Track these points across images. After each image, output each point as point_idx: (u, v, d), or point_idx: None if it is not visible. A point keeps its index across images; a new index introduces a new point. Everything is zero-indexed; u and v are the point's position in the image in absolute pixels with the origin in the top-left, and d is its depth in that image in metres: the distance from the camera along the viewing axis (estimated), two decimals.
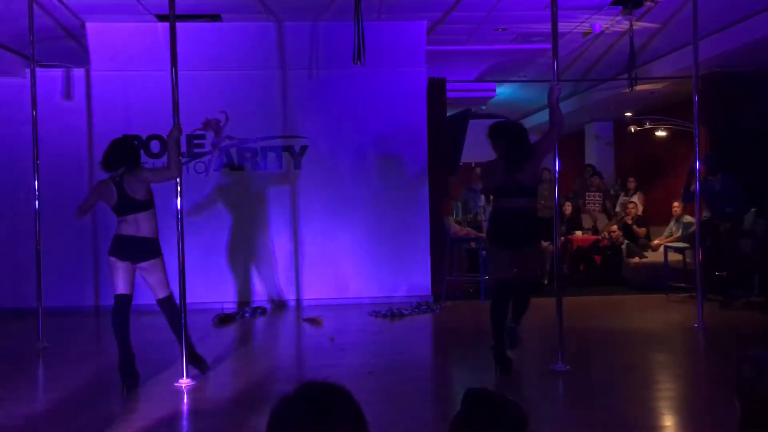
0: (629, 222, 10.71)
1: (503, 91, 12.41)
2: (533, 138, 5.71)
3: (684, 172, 9.34)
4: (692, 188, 7.37)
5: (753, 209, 8.59)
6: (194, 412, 4.78)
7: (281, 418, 1.42)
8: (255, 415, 4.52)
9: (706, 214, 8.48)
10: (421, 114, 9.09)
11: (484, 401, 1.71)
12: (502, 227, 5.39)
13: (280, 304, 8.90)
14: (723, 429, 4.02)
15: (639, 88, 9.16)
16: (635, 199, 11.30)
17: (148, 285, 5.35)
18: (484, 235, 9.86)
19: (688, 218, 9.79)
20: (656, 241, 10.30)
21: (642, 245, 10.44)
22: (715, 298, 8.19)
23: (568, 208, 11.32)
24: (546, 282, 10.13)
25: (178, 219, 5.46)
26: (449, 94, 9.66)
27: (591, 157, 14.27)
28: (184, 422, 4.69)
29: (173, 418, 4.69)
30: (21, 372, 5.94)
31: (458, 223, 9.90)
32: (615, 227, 10.63)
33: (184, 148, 8.64)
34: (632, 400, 4.81)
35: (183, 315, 5.39)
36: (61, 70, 8.89)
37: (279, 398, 1.45)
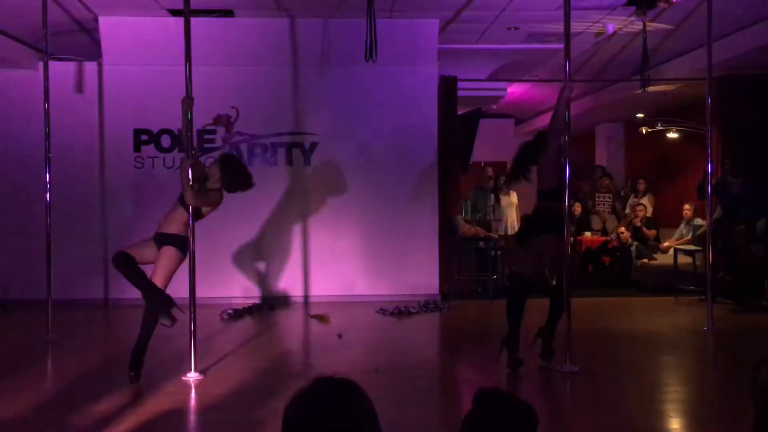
0: (638, 224, 10.67)
1: (515, 90, 12.38)
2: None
3: (695, 174, 9.28)
4: (707, 186, 7.33)
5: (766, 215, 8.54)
6: (201, 405, 4.79)
7: (297, 412, 1.42)
8: (262, 410, 4.53)
9: (718, 213, 8.42)
10: (432, 112, 9.08)
11: (495, 401, 1.71)
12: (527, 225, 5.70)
13: (287, 301, 8.90)
14: None
15: (651, 89, 9.11)
16: (645, 200, 11.25)
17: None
18: (493, 234, 9.86)
19: (698, 221, 9.74)
20: (666, 244, 10.26)
21: (651, 247, 10.39)
22: (725, 301, 8.15)
23: (577, 208, 11.29)
24: (554, 282, 10.09)
25: (189, 214, 5.45)
26: (460, 93, 9.64)
27: (601, 158, 14.22)
28: (192, 416, 4.70)
29: (180, 411, 4.70)
30: (29, 364, 5.97)
31: (467, 222, 9.89)
32: (623, 228, 10.59)
33: (194, 143, 8.64)
34: (640, 402, 4.80)
35: (192, 310, 5.40)
36: (73, 63, 8.92)
37: (294, 393, 1.45)
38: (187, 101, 5.45)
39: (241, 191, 5.59)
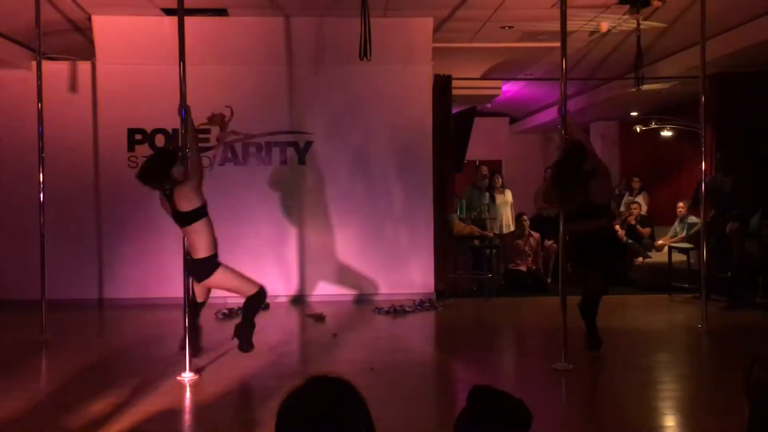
0: (632, 222, 10.69)
1: (509, 89, 12.38)
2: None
3: (690, 171, 9.25)
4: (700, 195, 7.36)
5: (759, 211, 8.56)
6: (196, 405, 4.78)
7: (291, 411, 1.42)
8: (256, 409, 4.53)
9: (712, 214, 8.44)
10: (427, 111, 9.08)
11: (489, 399, 1.71)
12: None
13: (282, 300, 8.89)
14: (726, 429, 4.01)
15: (645, 87, 9.12)
16: (640, 198, 11.27)
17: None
18: (488, 233, 9.86)
19: (692, 219, 9.76)
20: (660, 242, 10.28)
21: (646, 245, 10.41)
22: (719, 298, 8.17)
23: None
24: (549, 281, 10.13)
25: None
26: (455, 91, 9.65)
27: None
28: (186, 416, 4.69)
29: (175, 411, 4.69)
30: (24, 364, 5.95)
31: (462, 220, 9.90)
32: (617, 227, 10.60)
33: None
34: (635, 399, 4.80)
35: (186, 309, 5.39)
36: (67, 62, 8.89)
37: (288, 392, 1.44)
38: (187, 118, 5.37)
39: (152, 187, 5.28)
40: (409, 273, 9.03)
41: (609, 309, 8.39)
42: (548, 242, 10.38)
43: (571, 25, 8.35)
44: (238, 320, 7.81)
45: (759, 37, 8.25)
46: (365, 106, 9.04)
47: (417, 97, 9.05)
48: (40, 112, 6.95)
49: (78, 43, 9.07)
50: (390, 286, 8.95)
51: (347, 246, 9.04)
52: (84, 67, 8.91)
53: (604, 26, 8.67)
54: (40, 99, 6.95)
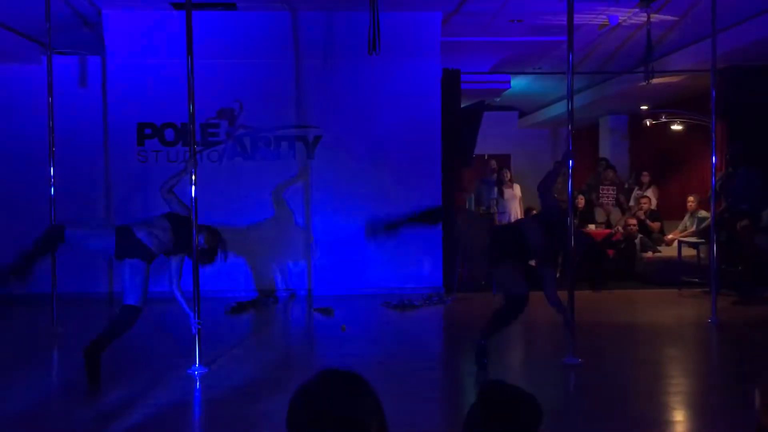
0: (642, 217, 10.65)
1: (518, 83, 12.35)
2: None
3: (700, 165, 9.15)
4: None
5: None
6: (206, 399, 4.81)
7: (303, 405, 1.43)
8: (267, 403, 4.54)
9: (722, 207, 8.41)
10: (435, 105, 9.07)
11: (500, 393, 1.71)
12: None
13: (291, 294, 8.92)
14: (735, 424, 4.00)
15: (655, 81, 9.08)
16: (649, 193, 11.23)
17: None
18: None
19: (702, 213, 9.73)
20: (670, 236, 10.24)
21: (656, 239, 10.38)
22: (729, 293, 8.14)
23: (581, 201, 11.27)
24: (558, 275, 10.10)
25: (193, 207, 5.46)
26: (463, 86, 9.62)
27: (605, 150, 14.19)
28: (196, 409, 4.72)
29: (186, 405, 4.72)
30: (35, 357, 6.00)
31: None
32: (634, 220, 10.54)
33: (198, 137, 8.67)
34: (644, 394, 4.80)
35: (196, 303, 5.41)
36: (77, 57, 8.92)
37: (300, 385, 1.45)
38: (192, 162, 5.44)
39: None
40: (417, 267, 9.03)
41: (618, 304, 8.44)
42: None
43: (580, 19, 8.32)
44: (247, 315, 7.87)
45: None
46: (374, 100, 9.04)
47: (425, 92, 9.04)
48: (50, 107, 6.98)
49: (88, 37, 9.09)
50: (399, 281, 8.97)
51: (356, 240, 9.04)
52: (94, 61, 8.95)
53: (614, 19, 8.62)
54: (50, 93, 6.99)
